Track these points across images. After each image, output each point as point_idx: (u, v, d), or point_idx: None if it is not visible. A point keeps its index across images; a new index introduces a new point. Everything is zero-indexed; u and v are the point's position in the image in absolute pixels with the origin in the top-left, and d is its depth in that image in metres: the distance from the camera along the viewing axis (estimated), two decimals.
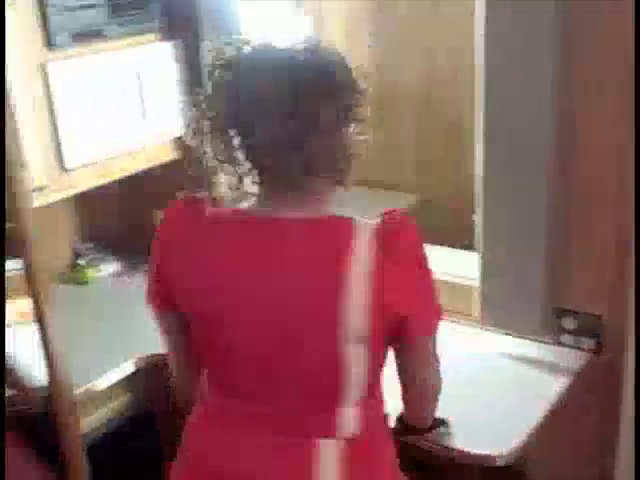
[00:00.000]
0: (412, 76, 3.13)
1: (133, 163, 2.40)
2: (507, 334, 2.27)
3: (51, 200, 2.22)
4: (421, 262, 1.41)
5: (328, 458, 1.44)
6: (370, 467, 1.50)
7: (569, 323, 2.16)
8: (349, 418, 1.45)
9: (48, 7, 2.05)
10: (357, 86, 1.39)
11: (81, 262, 2.78)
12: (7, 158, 1.67)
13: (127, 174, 2.39)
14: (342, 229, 1.37)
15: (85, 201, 2.66)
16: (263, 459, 1.46)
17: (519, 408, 1.94)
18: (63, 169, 2.21)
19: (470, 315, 2.35)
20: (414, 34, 3.07)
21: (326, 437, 1.44)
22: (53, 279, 2.54)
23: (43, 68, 2.10)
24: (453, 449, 1.82)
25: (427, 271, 1.42)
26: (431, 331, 1.45)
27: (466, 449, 1.81)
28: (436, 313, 1.45)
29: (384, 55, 3.07)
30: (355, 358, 1.39)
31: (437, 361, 1.49)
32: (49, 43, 2.09)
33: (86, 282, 2.75)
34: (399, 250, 1.36)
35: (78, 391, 2.02)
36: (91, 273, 2.76)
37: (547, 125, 1.99)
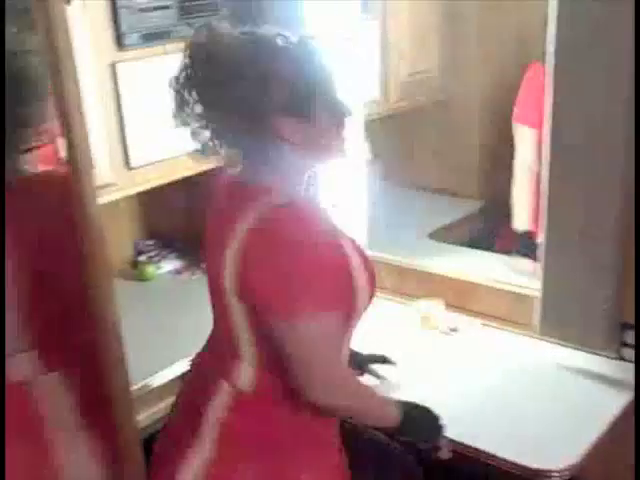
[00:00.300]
0: (478, 80, 3.11)
1: (199, 162, 2.40)
2: (566, 346, 2.24)
3: (115, 198, 2.26)
4: (282, 255, 1.46)
5: (222, 398, 1.63)
6: (252, 427, 1.63)
7: (631, 337, 2.12)
8: (244, 374, 1.61)
9: (120, 8, 2.10)
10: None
11: (142, 259, 2.82)
12: (76, 156, 1.70)
13: (191, 173, 2.41)
14: (249, 205, 1.50)
15: (147, 199, 2.70)
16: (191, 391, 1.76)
17: (578, 422, 1.91)
18: (128, 167, 2.25)
19: (528, 324, 2.32)
20: (482, 37, 3.05)
21: (226, 381, 1.63)
22: (114, 275, 2.58)
23: (113, 68, 2.14)
24: (507, 461, 1.80)
25: (288, 262, 1.46)
26: (286, 317, 1.49)
27: (521, 462, 1.79)
28: (292, 301, 1.48)
29: (450, 59, 3.06)
30: (239, 320, 1.56)
31: (304, 348, 1.52)
32: (119, 43, 2.14)
33: (146, 279, 2.80)
34: (263, 240, 1.47)
35: (134, 388, 2.04)
36: (151, 270, 2.80)
37: (621, 128, 1.92)
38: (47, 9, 1.55)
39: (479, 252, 2.79)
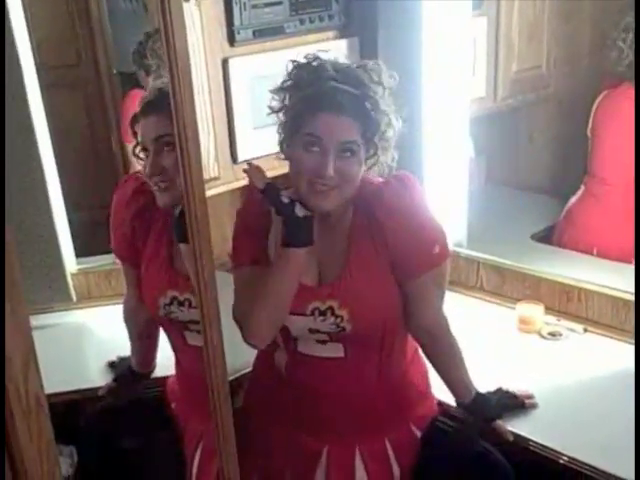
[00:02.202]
0: (588, 76, 3.04)
1: None
2: None
3: (220, 191, 2.30)
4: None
5: None
6: None
7: None
8: None
9: (234, 4, 2.12)
10: None
11: None
12: (187, 150, 1.73)
13: None
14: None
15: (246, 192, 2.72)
16: None
17: None
18: (234, 162, 2.28)
19: (632, 332, 2.26)
20: (593, 33, 2.97)
21: None
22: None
23: (225, 63, 2.17)
24: (595, 468, 1.77)
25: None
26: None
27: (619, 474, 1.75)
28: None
29: (560, 54, 2.99)
30: None
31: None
32: (232, 39, 2.17)
33: None
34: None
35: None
36: None
37: None
38: (164, 5, 1.59)
39: (583, 255, 2.73)
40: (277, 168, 2.39)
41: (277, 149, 2.30)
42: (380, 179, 1.73)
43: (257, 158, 2.32)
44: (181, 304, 1.93)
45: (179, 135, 1.70)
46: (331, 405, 1.84)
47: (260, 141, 2.31)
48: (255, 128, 2.29)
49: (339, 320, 1.70)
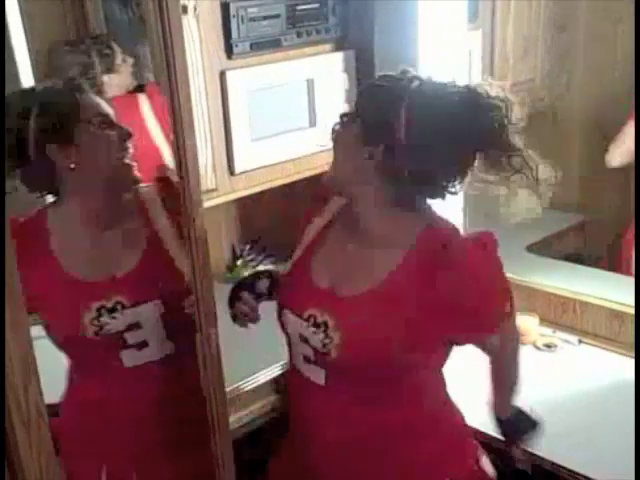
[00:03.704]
0: (583, 90, 3.05)
1: (299, 169, 2.46)
2: None
3: (217, 203, 2.30)
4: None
5: None
6: None
7: None
8: None
9: (232, 17, 2.13)
10: None
11: (239, 263, 2.86)
12: (183, 163, 1.74)
13: (292, 180, 2.45)
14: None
15: (246, 202, 2.73)
16: None
17: None
18: (232, 173, 2.29)
19: (629, 343, 2.27)
20: (588, 47, 2.99)
21: None
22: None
23: (222, 75, 2.18)
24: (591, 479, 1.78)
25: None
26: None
27: None
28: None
29: (555, 68, 3.01)
30: None
31: None
32: (229, 51, 2.18)
33: None
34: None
35: (228, 389, 2.07)
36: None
37: None
38: (163, 17, 1.60)
39: (579, 267, 2.74)
40: (274, 180, 2.42)
41: (275, 160, 2.33)
42: (449, 224, 1.59)
43: (254, 170, 2.35)
44: (112, 311, 1.72)
45: (177, 146, 1.71)
46: (322, 448, 1.68)
47: (258, 153, 2.33)
48: (253, 140, 2.29)
49: (328, 341, 1.55)
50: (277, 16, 2.24)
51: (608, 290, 2.43)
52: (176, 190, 1.81)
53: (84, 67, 2.29)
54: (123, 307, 1.73)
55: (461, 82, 1.51)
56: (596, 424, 1.99)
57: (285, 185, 2.47)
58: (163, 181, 1.86)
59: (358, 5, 2.41)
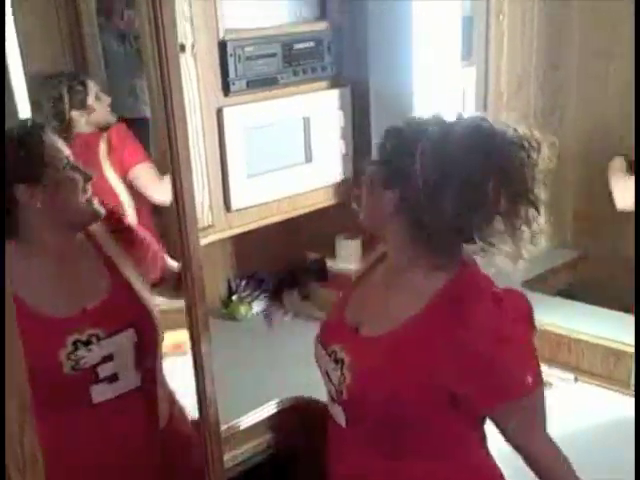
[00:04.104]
0: (576, 126, 3.08)
1: (295, 206, 2.47)
2: None
3: (213, 239, 2.30)
4: None
5: None
6: None
7: None
8: None
9: (229, 56, 2.15)
10: None
11: (234, 298, 2.85)
12: (180, 199, 1.74)
13: (288, 216, 2.46)
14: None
15: (242, 238, 2.73)
16: None
17: None
18: (228, 210, 2.29)
19: (625, 382, 2.26)
20: (581, 83, 3.02)
21: None
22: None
23: (219, 113, 2.19)
24: None
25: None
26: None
27: None
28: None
29: (548, 105, 3.04)
30: None
31: None
32: (226, 89, 2.19)
33: (238, 318, 2.82)
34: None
35: (223, 427, 2.04)
36: (243, 309, 2.83)
37: None
38: (161, 56, 1.61)
39: (574, 303, 2.73)
40: (270, 217, 2.42)
41: (271, 197, 2.34)
42: (480, 276, 1.50)
43: (251, 207, 2.35)
44: (87, 343, 1.70)
45: (174, 184, 1.72)
46: None
47: (254, 189, 2.34)
48: (249, 176, 2.30)
49: (342, 379, 1.51)
50: (273, 55, 2.26)
51: (603, 327, 2.43)
52: (125, 225, 1.91)
53: (54, 102, 2.29)
54: (98, 339, 1.71)
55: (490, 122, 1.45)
56: (593, 462, 1.96)
57: (281, 221, 2.47)
58: (113, 216, 1.88)
59: (353, 44, 2.43)
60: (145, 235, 1.99)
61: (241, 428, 2.20)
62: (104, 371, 1.74)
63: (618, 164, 2.72)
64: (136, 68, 2.49)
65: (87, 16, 2.44)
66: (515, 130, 1.42)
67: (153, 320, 1.84)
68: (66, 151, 1.72)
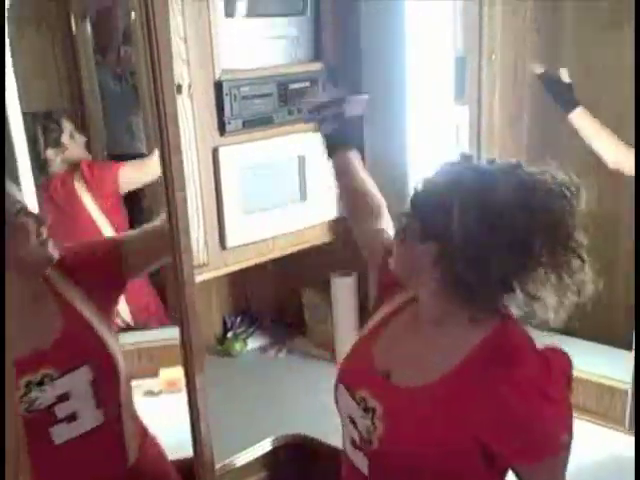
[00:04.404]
0: (567, 162, 3.10)
1: (290, 243, 2.48)
2: None
3: (208, 277, 2.31)
4: None
5: None
6: None
7: None
8: None
9: (225, 95, 2.18)
10: None
11: (229, 335, 2.86)
12: (176, 238, 1.75)
13: (283, 254, 2.46)
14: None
15: (237, 275, 2.74)
16: None
17: None
18: (223, 248, 2.30)
19: (618, 419, 2.26)
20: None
21: None
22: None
23: (215, 152, 2.21)
24: None
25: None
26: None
27: None
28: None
29: (539, 140, 3.06)
30: None
31: None
32: (222, 128, 2.22)
33: (233, 354, 2.83)
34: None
35: (218, 465, 2.04)
36: (239, 346, 2.83)
37: None
38: (158, 95, 1.64)
39: (567, 338, 2.73)
40: (265, 254, 2.43)
41: (266, 235, 2.34)
42: (520, 333, 1.46)
43: (246, 245, 2.37)
44: (40, 384, 1.69)
45: (170, 222, 1.73)
46: None
47: (249, 227, 2.35)
48: (244, 214, 2.31)
49: (373, 428, 1.46)
50: (269, 95, 2.29)
51: (598, 364, 2.43)
52: (80, 261, 1.84)
53: (28, 141, 2.31)
54: (52, 379, 1.69)
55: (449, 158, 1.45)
56: None
57: (276, 258, 2.48)
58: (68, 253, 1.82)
59: (347, 82, 2.45)
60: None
61: (236, 466, 2.20)
62: (61, 411, 1.72)
63: (587, 121, 2.70)
64: (132, 105, 2.53)
65: (84, 54, 2.47)
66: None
67: (111, 356, 1.78)
68: (19, 198, 1.71)
